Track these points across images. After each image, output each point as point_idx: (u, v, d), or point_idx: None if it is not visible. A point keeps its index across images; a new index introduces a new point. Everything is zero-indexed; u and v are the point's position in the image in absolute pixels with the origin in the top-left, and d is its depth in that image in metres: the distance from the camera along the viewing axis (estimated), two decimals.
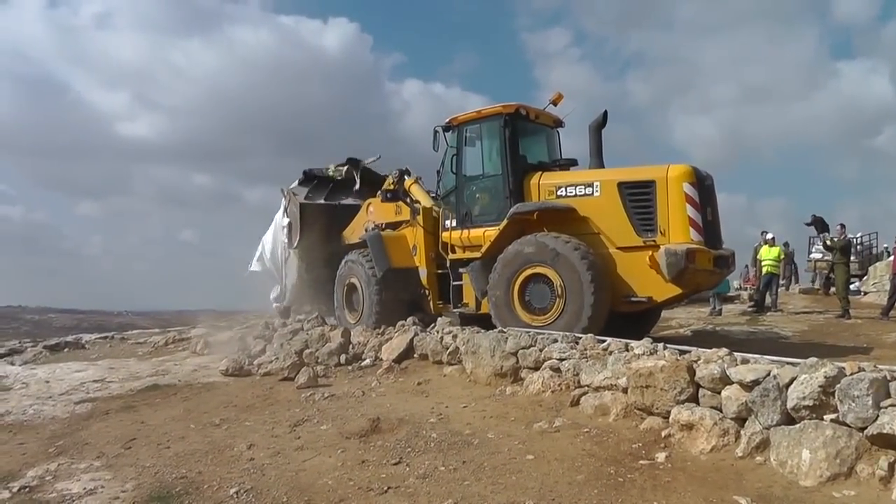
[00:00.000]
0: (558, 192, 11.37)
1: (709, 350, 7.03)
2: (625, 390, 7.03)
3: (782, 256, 21.77)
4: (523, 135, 12.36)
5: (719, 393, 6.23)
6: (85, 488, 6.37)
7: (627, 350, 7.74)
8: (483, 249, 11.92)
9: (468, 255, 12.45)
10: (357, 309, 14.15)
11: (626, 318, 11.03)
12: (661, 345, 7.80)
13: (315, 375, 10.04)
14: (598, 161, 11.72)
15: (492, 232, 11.78)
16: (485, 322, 11.33)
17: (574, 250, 10.41)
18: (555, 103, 12.71)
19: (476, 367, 9.28)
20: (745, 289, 26.13)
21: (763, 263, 20.50)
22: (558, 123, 13.28)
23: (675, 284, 10.17)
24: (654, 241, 10.40)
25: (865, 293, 24.06)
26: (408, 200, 14.02)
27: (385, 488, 5.75)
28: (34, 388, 11.83)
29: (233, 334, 15.45)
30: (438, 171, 13.26)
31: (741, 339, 13.86)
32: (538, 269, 10.83)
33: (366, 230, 14.85)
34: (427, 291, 13.45)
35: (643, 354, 7.33)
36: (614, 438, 6.51)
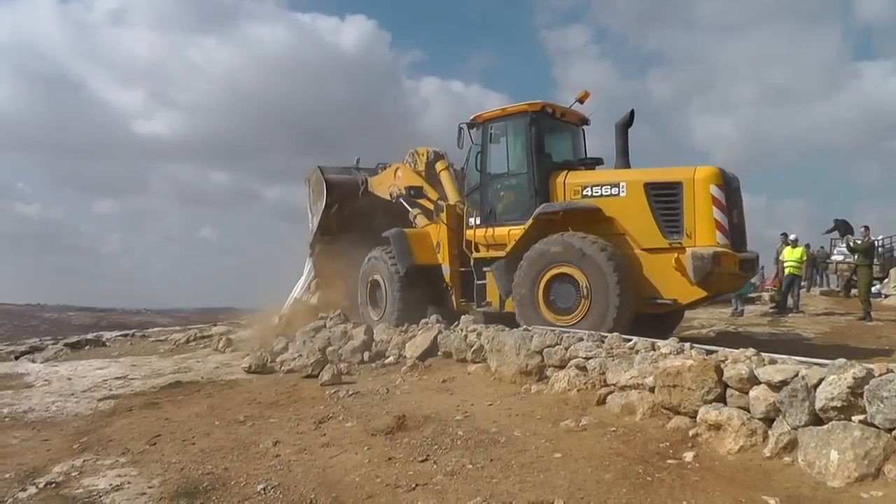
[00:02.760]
0: (584, 192, 11.29)
1: (736, 350, 6.99)
2: (652, 389, 6.99)
3: (804, 258, 21.65)
4: (549, 133, 12.29)
5: (747, 393, 6.18)
6: (111, 484, 6.40)
7: (654, 349, 7.70)
8: (508, 248, 11.83)
9: (492, 253, 12.38)
10: (380, 306, 14.14)
11: (649, 318, 10.91)
12: (687, 344, 7.76)
13: (339, 373, 10.05)
14: (624, 161, 11.58)
15: (517, 231, 11.70)
16: (509, 320, 11.25)
17: (601, 251, 10.33)
18: (581, 101, 12.61)
19: (501, 365, 9.26)
20: (768, 289, 26.00)
21: (785, 265, 20.40)
22: (584, 122, 13.17)
23: (701, 287, 10.10)
24: (679, 243, 10.33)
25: (887, 296, 23.89)
26: (431, 199, 13.96)
27: (413, 485, 5.75)
28: (56, 386, 11.91)
29: (254, 332, 15.49)
30: (462, 169, 13.40)
31: (764, 340, 13.78)
32: (564, 269, 10.73)
33: (390, 195, 15.09)
34: (450, 289, 13.37)
35: (670, 354, 7.29)
36: (641, 437, 6.49)
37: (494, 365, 9.40)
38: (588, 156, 12.87)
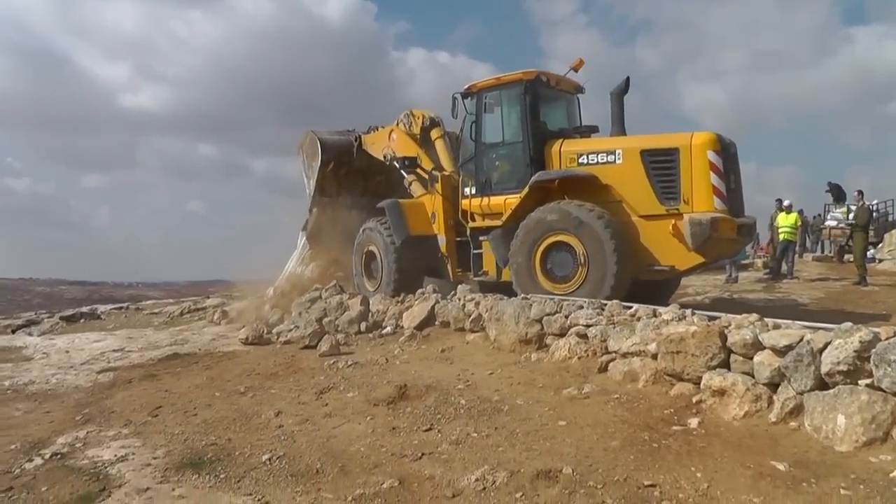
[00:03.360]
0: (580, 160, 11.21)
1: (738, 316, 6.99)
2: (654, 356, 6.99)
3: (798, 224, 21.67)
4: (544, 102, 12.18)
5: (751, 358, 6.16)
6: (116, 455, 6.42)
7: (655, 316, 7.68)
8: (504, 217, 11.79)
9: (488, 222, 12.34)
10: (376, 277, 14.05)
11: (644, 286, 10.93)
12: (688, 311, 7.75)
13: (337, 343, 10.04)
14: (619, 128, 11.49)
15: (513, 200, 11.66)
16: (506, 290, 11.23)
17: (598, 219, 10.28)
18: (576, 69, 12.51)
19: (500, 333, 9.25)
20: (760, 256, 26.03)
21: (780, 230, 20.41)
22: (579, 90, 13.02)
23: (699, 253, 10.10)
24: (676, 209, 10.29)
25: (881, 261, 23.90)
26: (425, 170, 13.93)
27: (419, 454, 5.75)
28: (55, 358, 11.92)
29: (249, 304, 15.47)
30: (458, 137, 13.31)
31: (760, 306, 13.79)
32: (561, 237, 10.69)
33: (384, 157, 15.12)
34: (446, 259, 13.35)
35: (672, 320, 7.27)
36: (645, 404, 6.49)
37: (493, 334, 9.38)
38: (583, 124, 12.81)
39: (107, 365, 11.00)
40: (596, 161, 11.07)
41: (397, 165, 14.58)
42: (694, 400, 6.36)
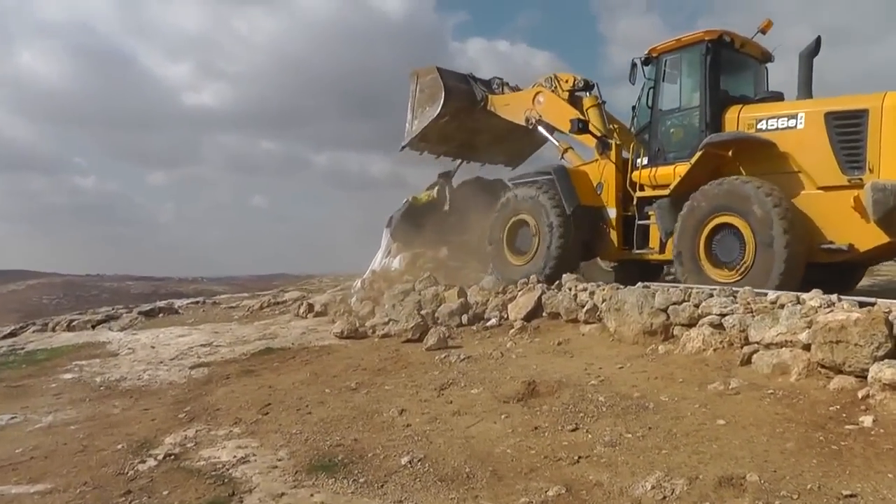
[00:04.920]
0: (758, 126, 10.26)
1: (890, 301, 6.52)
2: (806, 347, 6.52)
3: None
4: (726, 65, 11.20)
5: None
6: (235, 456, 6.18)
7: (800, 303, 7.18)
8: (672, 186, 10.99)
9: (657, 193, 11.52)
10: (525, 251, 12.83)
11: (824, 274, 10.00)
12: (834, 296, 7.24)
13: (445, 337, 9.67)
14: (806, 92, 10.39)
15: (682, 168, 10.85)
16: (621, 280, 10.77)
17: (766, 196, 9.41)
18: (764, 31, 11.48)
19: (620, 324, 8.81)
20: None
21: None
22: (766, 57, 11.93)
23: (883, 229, 8.87)
24: (860, 179, 9.18)
25: None
26: (596, 136, 12.83)
27: (575, 457, 5.38)
28: (142, 354, 11.76)
29: (333, 296, 15.20)
30: (634, 107, 12.29)
31: None
32: (727, 219, 9.90)
33: (527, 120, 14.34)
34: (610, 234, 12.38)
35: (821, 307, 6.79)
36: (805, 401, 6.03)
37: (613, 325, 8.94)
38: (770, 90, 11.67)
39: (198, 360, 10.78)
40: (775, 126, 10.10)
41: (543, 131, 13.99)
42: (860, 395, 5.88)
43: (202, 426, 7.23)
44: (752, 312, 7.47)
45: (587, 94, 13.85)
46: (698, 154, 10.42)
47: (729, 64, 11.24)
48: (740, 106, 10.71)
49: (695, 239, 10.24)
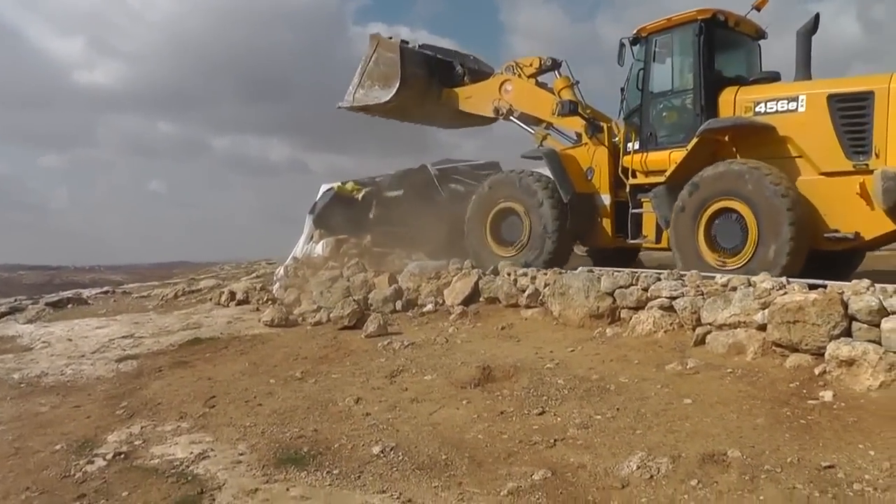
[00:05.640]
0: (756, 109, 9.81)
1: (846, 283, 6.72)
2: (761, 327, 6.70)
3: None
4: (720, 44, 10.71)
5: (877, 326, 5.96)
6: (192, 452, 5.95)
7: (751, 286, 7.33)
8: (668, 173, 10.48)
9: (651, 180, 10.98)
10: (512, 241, 12.15)
11: (820, 260, 9.49)
12: (783, 279, 7.43)
13: (384, 324, 9.54)
14: (805, 72, 10.00)
15: (678, 154, 10.37)
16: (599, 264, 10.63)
17: (770, 182, 9.03)
18: (758, 8, 11.02)
19: (565, 308, 8.85)
20: None
21: None
22: (760, 34, 11.39)
23: (891, 216, 8.56)
24: (866, 164, 8.83)
25: None
26: (585, 117, 12.15)
27: (551, 441, 5.39)
28: (60, 347, 11.22)
29: (248, 284, 14.88)
30: (622, 89, 11.59)
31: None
32: (728, 203, 9.47)
33: (496, 111, 13.66)
34: (604, 222, 11.80)
35: (774, 289, 6.96)
36: (765, 378, 6.19)
37: (557, 309, 8.97)
38: (766, 70, 11.17)
39: (123, 353, 10.34)
40: (775, 109, 9.64)
41: (515, 121, 13.38)
42: (817, 372, 6.11)
43: (146, 422, 6.90)
44: (702, 295, 7.60)
45: (557, 74, 13.40)
46: (695, 140, 10.05)
47: (723, 43, 10.86)
48: (736, 87, 10.33)
49: (694, 225, 9.84)
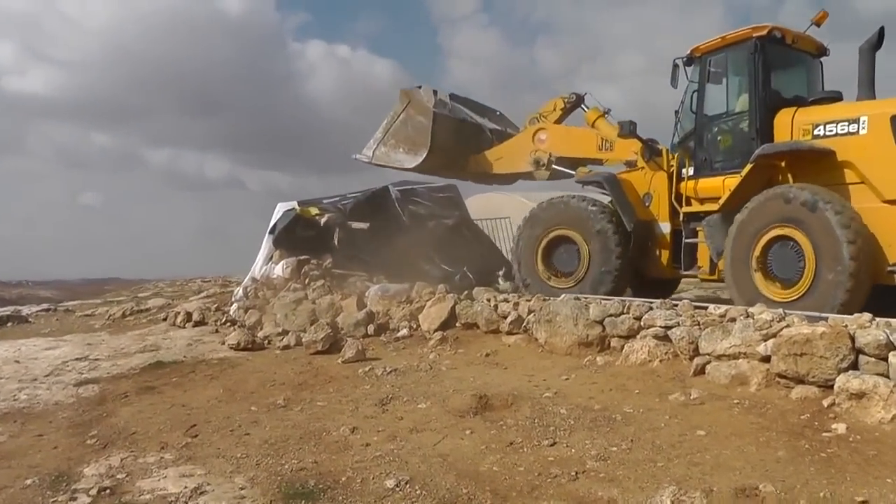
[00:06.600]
0: (815, 132, 9.32)
1: (847, 316, 6.79)
2: (764, 358, 6.71)
3: None
4: (777, 64, 10.26)
5: (885, 360, 5.99)
6: (185, 486, 5.59)
7: (749, 317, 7.35)
8: (721, 200, 10.01)
9: (705, 207, 10.54)
10: (569, 272, 11.64)
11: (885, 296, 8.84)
12: (780, 311, 7.46)
13: (362, 349, 9.34)
14: (868, 92, 9.54)
15: (732, 180, 9.90)
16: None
17: (832, 209, 8.52)
18: (818, 24, 10.51)
19: (552, 336, 8.75)
20: None
21: None
22: (821, 51, 10.86)
23: None
24: None
25: None
26: (643, 138, 11.54)
27: (572, 473, 5.24)
28: (8, 370, 10.64)
29: (199, 304, 14.50)
30: (677, 112, 11.18)
31: None
32: (785, 230, 8.98)
33: (537, 162, 12.99)
34: (661, 251, 11.28)
35: (773, 321, 6.97)
36: (773, 410, 6.18)
37: (543, 336, 8.88)
38: (827, 90, 10.61)
39: (80, 377, 9.88)
40: (834, 132, 9.15)
41: (561, 168, 12.78)
42: (825, 404, 6.11)
43: (124, 453, 6.48)
44: (699, 325, 7.59)
45: (584, 108, 13.18)
46: (749, 166, 9.58)
47: (780, 62, 10.40)
48: (794, 109, 9.82)
49: (749, 253, 9.35)
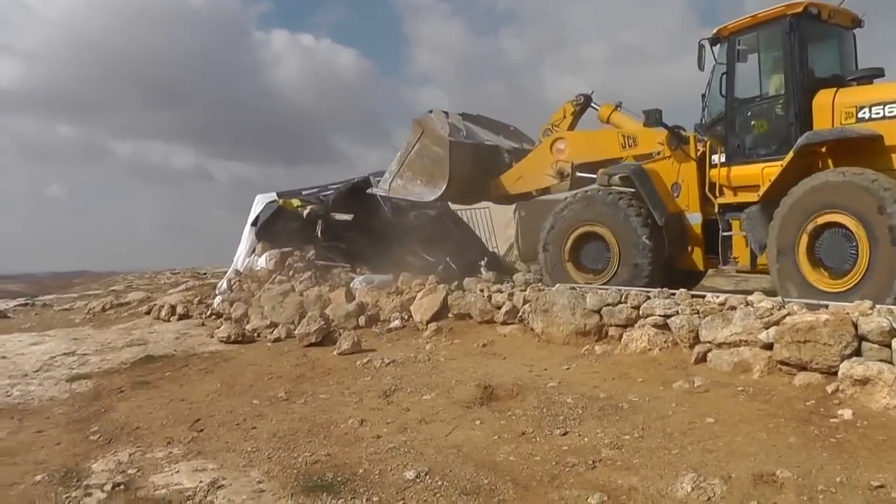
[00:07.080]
0: (859, 115, 8.76)
1: (848, 304, 6.91)
2: (766, 346, 6.83)
3: None
4: (813, 41, 9.64)
5: (888, 346, 6.10)
6: (201, 480, 5.59)
7: (748, 305, 7.47)
8: (761, 191, 9.45)
9: (741, 197, 10.00)
10: (598, 269, 11.22)
11: None
12: (777, 299, 7.61)
13: (358, 341, 9.36)
14: None
15: (771, 169, 9.36)
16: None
17: (887, 192, 8.01)
18: None
19: (548, 325, 8.84)
20: None
21: None
22: (856, 23, 10.16)
23: None
24: None
25: None
26: (669, 127, 11.05)
27: (589, 462, 5.31)
28: None
29: (180, 297, 14.46)
30: (704, 95, 10.58)
31: None
32: (834, 217, 8.46)
33: (560, 173, 12.46)
34: (694, 244, 10.80)
35: (773, 308, 7.10)
36: (778, 396, 6.29)
37: (540, 326, 8.96)
38: (863, 67, 9.95)
39: (71, 372, 9.84)
40: (881, 115, 8.56)
41: (583, 175, 12.21)
42: (829, 390, 6.22)
43: (131, 448, 6.48)
44: (698, 314, 7.69)
45: (595, 106, 13.06)
46: (791, 154, 9.06)
47: (816, 39, 9.80)
48: (833, 90, 9.24)
49: (795, 243, 8.84)
